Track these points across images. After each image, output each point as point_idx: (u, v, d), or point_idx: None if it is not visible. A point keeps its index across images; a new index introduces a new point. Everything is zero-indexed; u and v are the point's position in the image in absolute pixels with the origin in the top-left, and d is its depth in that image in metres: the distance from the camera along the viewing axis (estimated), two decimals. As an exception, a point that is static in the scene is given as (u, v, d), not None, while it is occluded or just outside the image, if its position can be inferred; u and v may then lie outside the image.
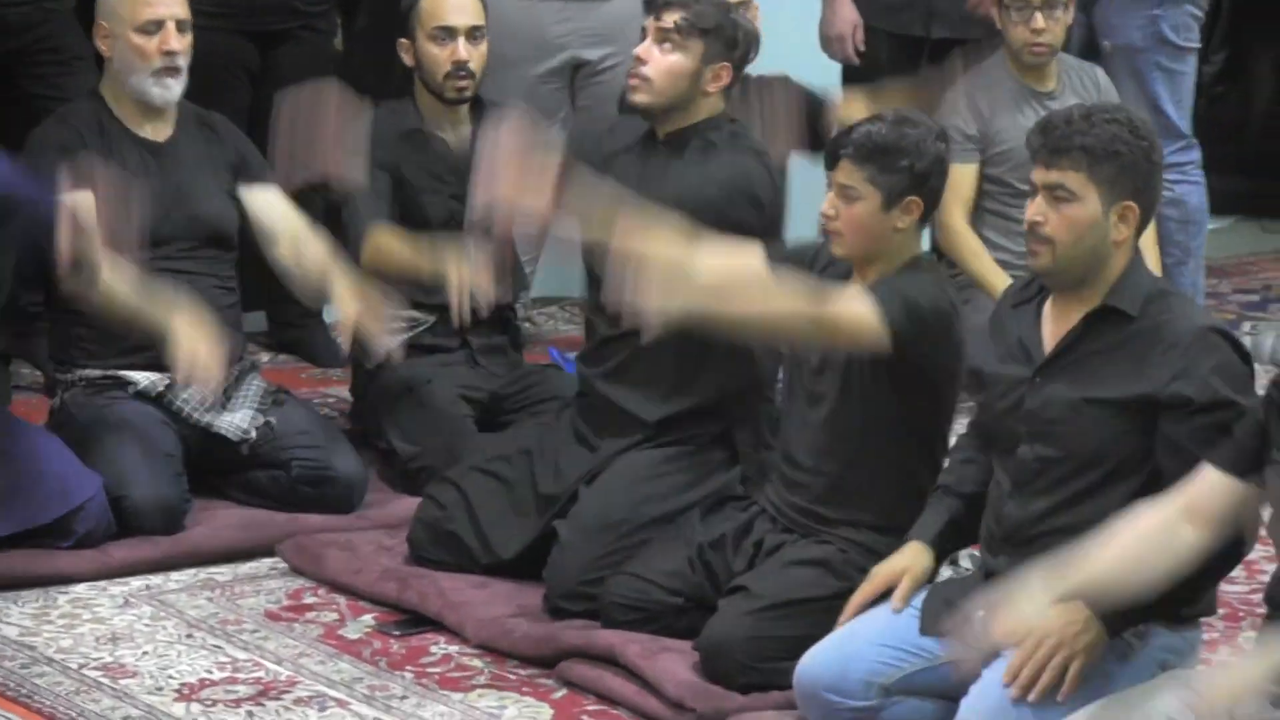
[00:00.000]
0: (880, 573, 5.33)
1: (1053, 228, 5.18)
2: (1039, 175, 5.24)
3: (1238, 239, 9.22)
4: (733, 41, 6.27)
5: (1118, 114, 5.38)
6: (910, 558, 5.35)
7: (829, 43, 8.23)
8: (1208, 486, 4.84)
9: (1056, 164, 5.19)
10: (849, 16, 8.12)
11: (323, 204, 7.17)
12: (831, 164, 5.75)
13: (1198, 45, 8.60)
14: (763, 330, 5.63)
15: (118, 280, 6.30)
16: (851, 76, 8.22)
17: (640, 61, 6.28)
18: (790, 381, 5.99)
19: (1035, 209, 5.23)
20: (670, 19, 6.23)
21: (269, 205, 6.79)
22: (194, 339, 6.25)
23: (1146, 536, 4.79)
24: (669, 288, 5.16)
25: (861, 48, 8.20)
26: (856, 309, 5.48)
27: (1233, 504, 4.82)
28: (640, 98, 6.30)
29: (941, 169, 5.84)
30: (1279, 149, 9.11)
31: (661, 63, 6.23)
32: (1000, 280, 7.45)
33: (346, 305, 6.45)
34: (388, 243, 6.85)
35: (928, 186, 5.73)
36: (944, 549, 5.51)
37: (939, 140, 5.88)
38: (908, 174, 5.66)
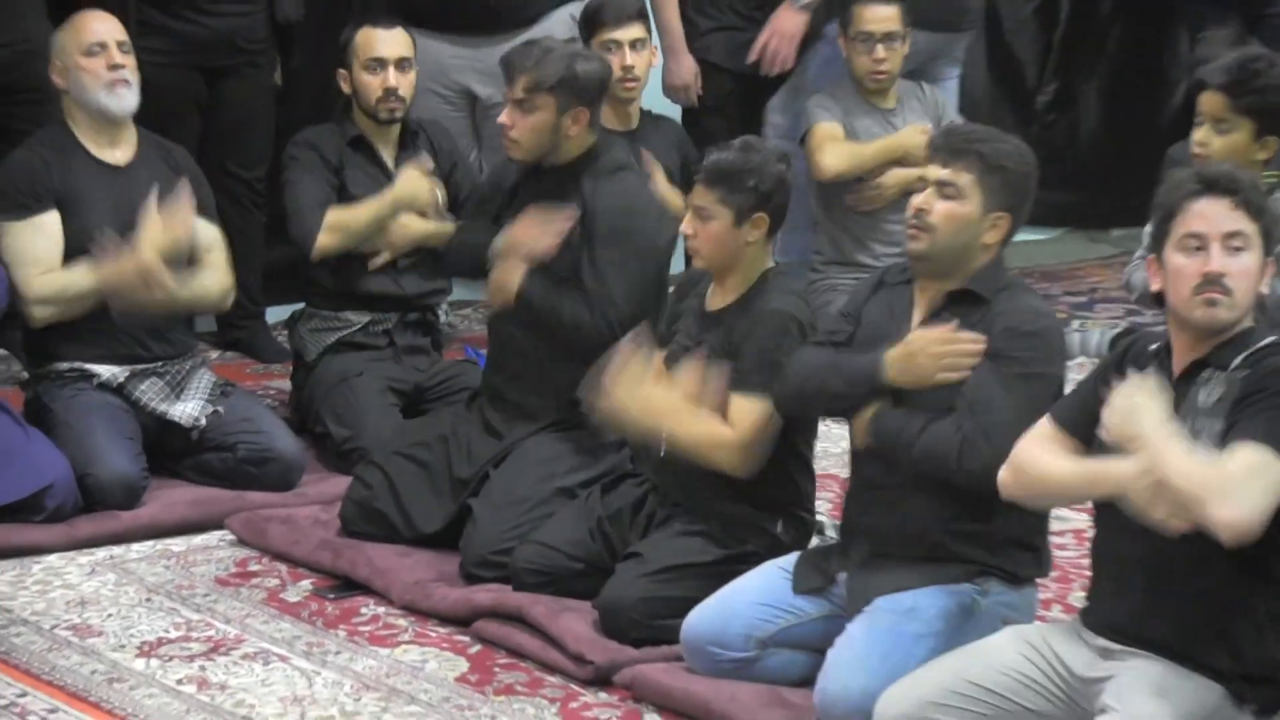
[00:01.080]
0: None
1: (936, 218, 5.21)
2: (934, 171, 5.29)
3: (1067, 248, 9.31)
4: (581, 88, 6.24)
5: (1011, 139, 5.45)
6: None
7: (673, 91, 8.20)
8: (1048, 434, 4.88)
9: (952, 164, 5.25)
10: (690, 66, 8.10)
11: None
12: (688, 189, 5.75)
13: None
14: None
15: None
16: (691, 113, 8.22)
17: (507, 127, 6.29)
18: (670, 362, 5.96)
19: (924, 199, 5.26)
20: (520, 87, 6.24)
21: (204, 237, 6.76)
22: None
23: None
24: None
25: (700, 93, 8.16)
26: (750, 423, 5.55)
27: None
28: (516, 155, 6.33)
29: (784, 187, 5.83)
30: (1102, 169, 9.13)
31: (524, 124, 6.24)
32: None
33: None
34: (341, 218, 6.85)
35: (773, 203, 5.73)
36: None
37: (780, 162, 5.87)
38: (754, 193, 5.67)
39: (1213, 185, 4.72)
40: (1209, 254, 4.63)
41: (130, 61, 6.65)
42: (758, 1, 8.11)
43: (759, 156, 5.82)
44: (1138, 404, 4.53)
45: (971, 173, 5.23)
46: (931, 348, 5.16)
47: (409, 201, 6.85)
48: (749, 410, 5.57)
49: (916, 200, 5.29)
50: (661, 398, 5.55)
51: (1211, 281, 4.62)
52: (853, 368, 5.29)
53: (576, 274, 6.19)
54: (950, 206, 5.22)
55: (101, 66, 6.57)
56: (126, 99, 6.62)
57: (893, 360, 5.18)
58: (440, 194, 6.96)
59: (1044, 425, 4.91)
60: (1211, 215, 4.68)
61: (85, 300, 6.51)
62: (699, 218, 5.69)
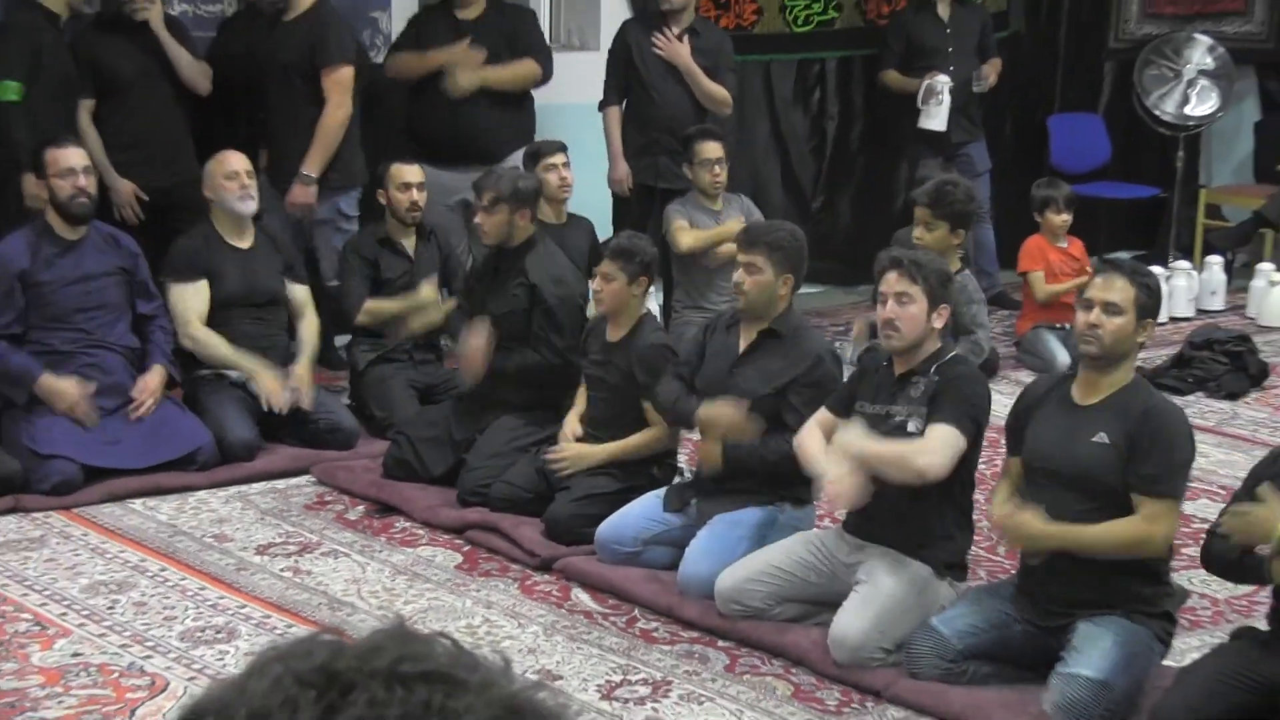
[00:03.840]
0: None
1: (748, 286, 5.23)
2: (741, 256, 5.29)
3: (832, 297, 9.13)
4: (523, 196, 6.11)
5: (788, 227, 5.50)
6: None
7: (615, 183, 7.86)
8: (825, 418, 4.93)
9: (749, 251, 5.25)
10: (624, 169, 7.78)
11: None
12: (596, 262, 5.83)
13: None
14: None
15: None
16: (621, 201, 7.93)
17: (480, 225, 6.19)
18: (588, 373, 5.89)
19: (738, 275, 5.27)
20: (486, 199, 6.13)
21: (296, 294, 6.70)
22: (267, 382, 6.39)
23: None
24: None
25: (630, 186, 7.82)
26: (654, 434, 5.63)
27: (834, 427, 4.90)
28: (487, 242, 6.23)
29: (655, 260, 5.85)
30: (853, 248, 9.06)
31: (490, 222, 6.12)
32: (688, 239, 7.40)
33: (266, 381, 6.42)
34: (375, 307, 6.75)
35: (650, 271, 5.74)
36: None
37: (652, 246, 5.90)
38: (640, 264, 5.67)
39: (892, 263, 4.85)
40: (886, 307, 4.79)
41: (253, 183, 6.54)
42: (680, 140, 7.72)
43: (643, 241, 5.86)
44: (848, 439, 4.71)
45: (763, 254, 5.22)
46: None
47: (420, 306, 6.77)
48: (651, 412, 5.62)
49: (736, 276, 5.29)
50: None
51: (887, 324, 4.76)
52: (686, 408, 5.33)
53: (527, 325, 6.07)
54: (754, 279, 5.21)
55: (236, 187, 6.47)
56: (249, 206, 6.52)
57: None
58: (435, 290, 6.82)
59: (821, 412, 4.97)
60: (889, 281, 4.80)
61: (218, 358, 6.45)
62: (605, 279, 5.66)
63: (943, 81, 8.46)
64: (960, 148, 8.65)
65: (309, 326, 6.73)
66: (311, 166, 6.99)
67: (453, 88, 7.36)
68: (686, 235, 7.40)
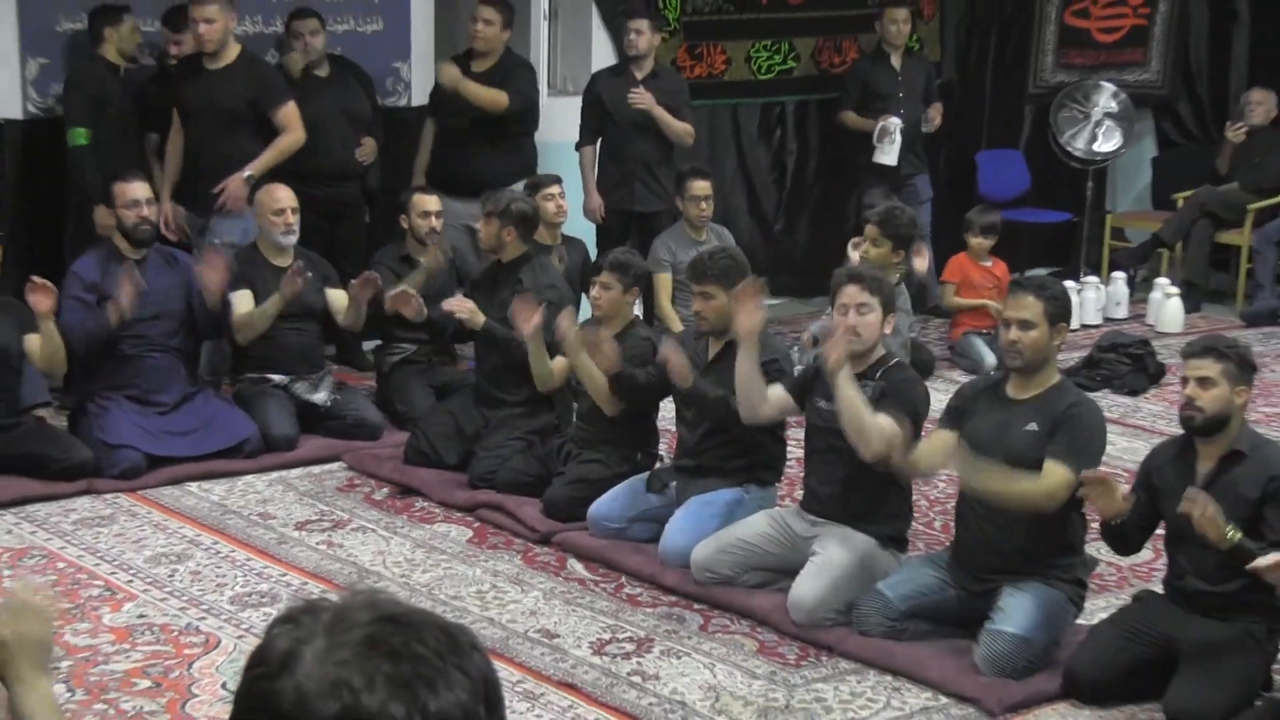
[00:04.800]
0: None
1: (706, 313, 5.20)
2: (695, 288, 5.24)
3: (791, 308, 8.96)
4: (510, 216, 6.03)
5: (728, 254, 5.42)
6: None
7: (589, 213, 7.78)
8: (779, 394, 4.94)
9: (701, 283, 5.21)
10: (597, 200, 7.70)
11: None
12: (598, 273, 5.77)
13: None
14: None
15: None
16: (605, 226, 7.80)
17: (481, 234, 6.23)
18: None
19: (697, 305, 5.24)
20: (486, 211, 6.13)
21: (336, 299, 6.56)
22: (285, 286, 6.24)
23: None
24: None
25: (604, 215, 7.75)
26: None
27: (789, 410, 4.95)
28: (483, 248, 6.25)
29: (646, 273, 5.86)
30: (809, 265, 8.93)
31: (483, 232, 6.15)
32: (674, 322, 7.23)
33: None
34: (399, 299, 6.40)
35: (641, 282, 5.77)
36: None
37: (644, 262, 5.93)
38: (633, 276, 5.66)
39: (852, 278, 4.82)
40: (848, 316, 4.74)
41: (296, 217, 6.46)
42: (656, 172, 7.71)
43: (636, 257, 5.86)
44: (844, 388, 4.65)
45: (713, 284, 5.15)
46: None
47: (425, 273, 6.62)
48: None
49: (695, 306, 5.27)
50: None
51: (849, 331, 4.69)
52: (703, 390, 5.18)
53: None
54: (710, 304, 5.16)
55: (281, 222, 6.42)
56: (290, 238, 6.46)
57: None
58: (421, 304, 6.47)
59: (777, 388, 4.95)
60: (849, 293, 4.76)
61: (261, 319, 6.30)
62: (603, 288, 5.63)
63: (895, 123, 8.45)
64: (908, 179, 8.62)
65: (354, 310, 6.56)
66: (256, 169, 6.63)
67: (440, 75, 7.28)
68: (665, 284, 7.40)
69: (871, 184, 8.52)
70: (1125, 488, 4.39)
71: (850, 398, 4.58)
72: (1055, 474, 4.33)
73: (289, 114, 6.71)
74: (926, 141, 8.87)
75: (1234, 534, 4.01)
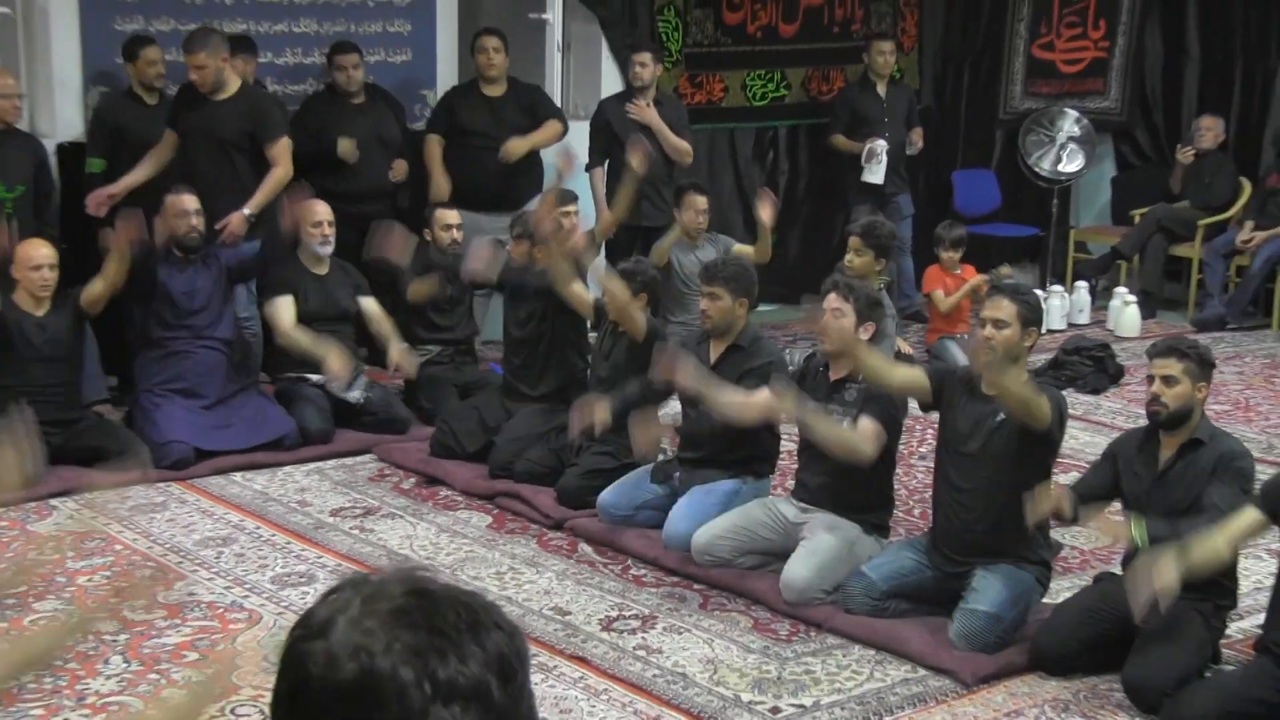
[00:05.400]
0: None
1: (713, 312, 5.16)
2: (704, 288, 5.21)
3: (783, 313, 8.80)
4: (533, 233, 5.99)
5: (738, 262, 5.39)
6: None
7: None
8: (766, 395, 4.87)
9: (710, 284, 5.18)
10: (607, 217, 7.17)
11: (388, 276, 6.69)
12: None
13: None
14: None
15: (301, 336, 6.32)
16: (614, 239, 7.52)
17: (510, 252, 6.23)
18: (592, 373, 5.86)
19: (704, 303, 5.20)
20: (514, 233, 6.18)
21: (368, 305, 6.58)
22: (335, 362, 6.21)
23: None
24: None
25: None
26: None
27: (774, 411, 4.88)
28: (514, 264, 6.19)
29: (655, 280, 5.76)
30: (800, 274, 8.80)
31: (516, 250, 6.12)
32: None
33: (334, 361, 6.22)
34: (419, 288, 6.54)
35: (648, 288, 5.66)
36: None
37: (653, 269, 5.85)
38: (640, 282, 5.62)
39: (832, 286, 4.81)
40: (827, 319, 4.73)
41: (332, 230, 6.47)
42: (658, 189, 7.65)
43: (645, 265, 5.84)
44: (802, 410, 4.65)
45: (722, 286, 5.13)
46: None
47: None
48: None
49: (701, 304, 5.24)
50: None
51: (821, 330, 4.73)
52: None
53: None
54: (716, 304, 5.14)
55: (319, 234, 6.43)
56: (327, 249, 6.47)
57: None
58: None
59: (763, 392, 4.90)
60: (829, 300, 4.75)
61: (304, 349, 6.29)
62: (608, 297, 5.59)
63: (881, 145, 8.47)
64: (892, 197, 8.63)
65: (385, 322, 6.60)
66: (253, 207, 6.40)
67: (507, 157, 7.27)
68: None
69: (859, 201, 8.51)
70: (1067, 504, 4.36)
71: (824, 433, 4.62)
72: (870, 431, 4.49)
73: (282, 149, 6.46)
74: (907, 163, 8.88)
75: (1140, 533, 4.06)
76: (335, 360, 6.24)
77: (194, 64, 6.35)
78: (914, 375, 4.66)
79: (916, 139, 8.77)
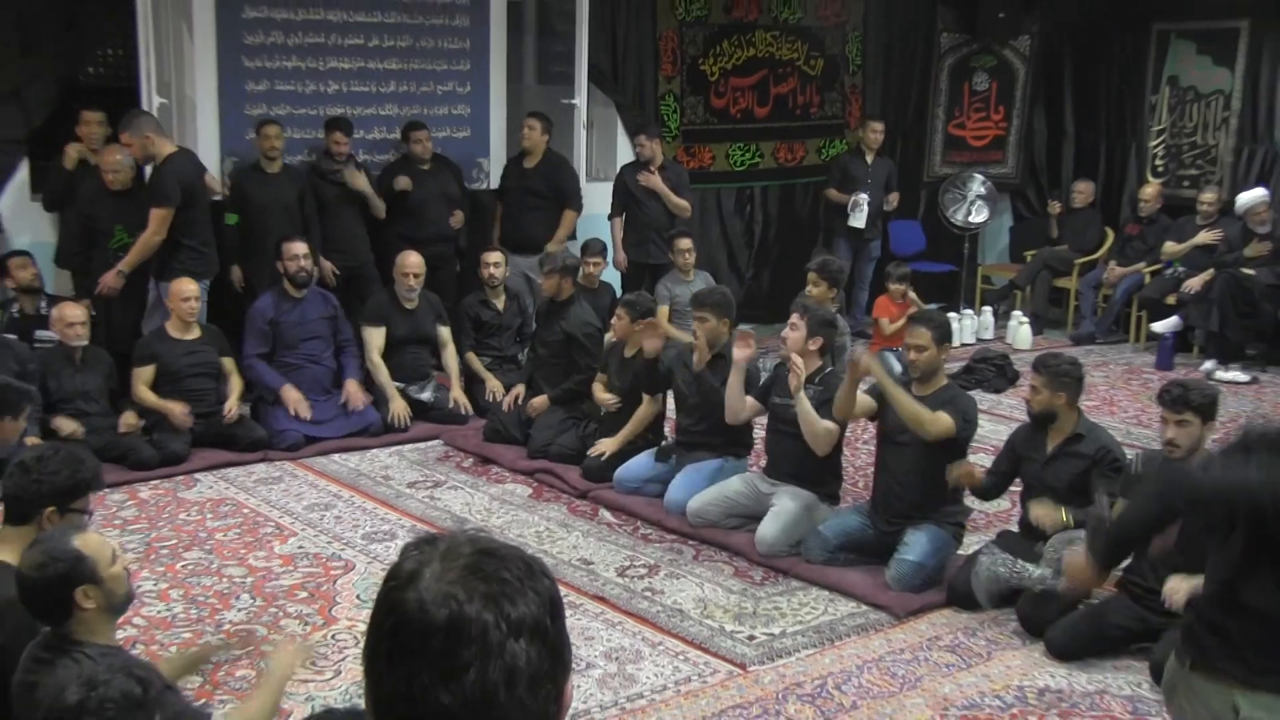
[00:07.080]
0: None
1: (702, 333, 5.10)
2: (695, 313, 5.13)
3: (759, 333, 9.05)
4: (568, 268, 5.96)
5: (720, 289, 5.32)
6: None
7: (617, 265, 7.58)
8: (751, 403, 4.84)
9: (699, 310, 5.12)
10: (622, 258, 7.52)
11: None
12: (610, 313, 5.63)
13: None
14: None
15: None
16: (628, 276, 7.59)
17: (544, 285, 6.06)
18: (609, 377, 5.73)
19: (695, 325, 5.08)
20: (546, 269, 6.00)
21: (442, 333, 6.45)
22: (397, 406, 6.11)
23: None
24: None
25: (628, 266, 7.53)
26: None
27: (758, 411, 4.86)
28: (545, 295, 6.05)
29: (653, 307, 5.59)
30: (772, 299, 8.62)
31: (547, 284, 5.99)
32: (672, 331, 6.76)
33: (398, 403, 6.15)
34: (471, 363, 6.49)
35: (648, 315, 5.46)
36: None
37: (652, 299, 5.68)
38: (639, 310, 5.48)
39: (795, 308, 4.76)
40: (787, 331, 4.69)
41: (419, 282, 6.30)
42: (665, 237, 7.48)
43: (645, 296, 5.70)
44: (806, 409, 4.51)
45: (708, 310, 5.06)
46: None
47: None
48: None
49: (694, 326, 5.11)
50: None
51: (783, 340, 4.70)
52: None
53: (565, 352, 5.88)
54: (704, 326, 5.06)
55: (405, 284, 6.29)
56: (414, 296, 6.32)
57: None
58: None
59: (748, 399, 4.85)
60: (792, 319, 4.70)
61: (380, 382, 6.18)
62: (618, 319, 5.50)
63: (863, 198, 8.61)
64: (868, 241, 8.76)
65: (452, 356, 6.44)
66: (125, 265, 5.87)
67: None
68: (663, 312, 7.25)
69: (844, 243, 8.65)
70: (980, 470, 4.38)
71: (806, 413, 4.55)
72: (943, 418, 4.33)
73: (156, 215, 5.83)
74: (883, 218, 8.93)
75: (1068, 517, 4.10)
76: (398, 406, 6.14)
77: (123, 141, 5.85)
78: (868, 400, 4.58)
79: (893, 200, 8.85)
